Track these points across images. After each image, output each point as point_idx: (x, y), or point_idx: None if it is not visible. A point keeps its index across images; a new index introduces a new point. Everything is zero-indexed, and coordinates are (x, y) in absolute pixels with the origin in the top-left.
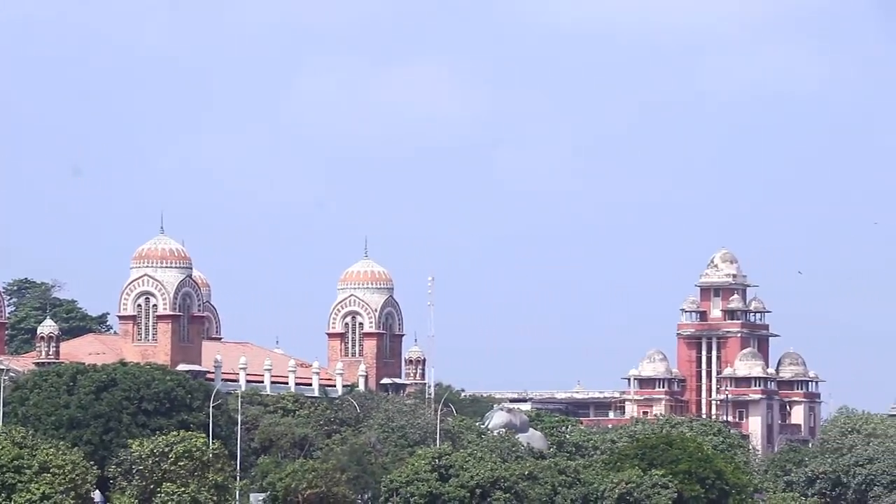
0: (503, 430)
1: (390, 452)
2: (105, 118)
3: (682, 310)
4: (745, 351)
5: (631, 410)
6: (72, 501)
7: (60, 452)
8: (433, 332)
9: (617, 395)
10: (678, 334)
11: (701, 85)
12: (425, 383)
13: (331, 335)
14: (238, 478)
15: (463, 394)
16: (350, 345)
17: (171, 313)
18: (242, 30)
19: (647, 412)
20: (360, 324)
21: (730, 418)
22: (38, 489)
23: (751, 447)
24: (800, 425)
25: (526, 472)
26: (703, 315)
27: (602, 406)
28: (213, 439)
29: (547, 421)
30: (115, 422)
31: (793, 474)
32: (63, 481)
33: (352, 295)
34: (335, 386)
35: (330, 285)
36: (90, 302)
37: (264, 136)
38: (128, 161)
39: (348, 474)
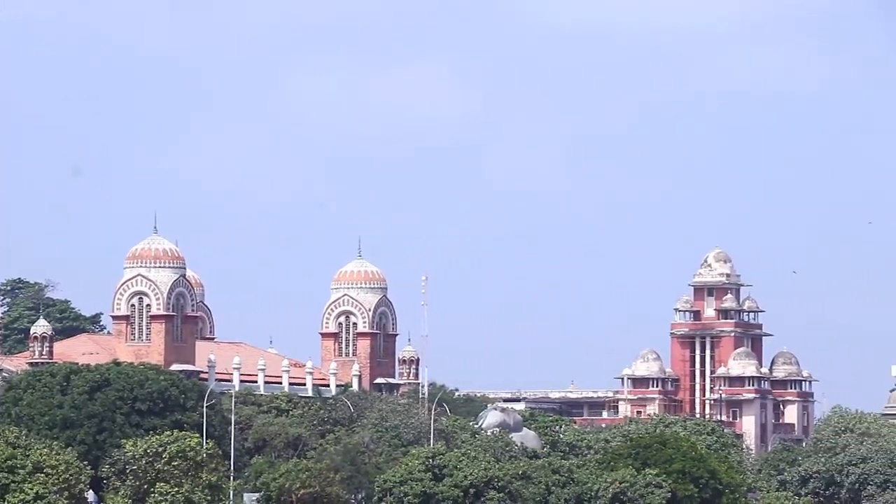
0: (497, 429)
1: (384, 452)
2: (99, 118)
3: (676, 309)
4: (738, 350)
5: (625, 410)
6: (65, 501)
7: (54, 452)
8: (427, 331)
9: (611, 394)
10: (672, 334)
11: (696, 85)
12: (419, 383)
13: (324, 335)
14: (232, 478)
15: (457, 393)
16: (344, 344)
17: (165, 313)
18: (235, 29)
19: (640, 412)
20: (354, 323)
21: (723, 418)
22: (31, 489)
23: (744, 446)
24: (793, 425)
25: (520, 472)
26: (696, 315)
27: (596, 405)
28: (206, 439)
29: (541, 420)
30: (108, 422)
31: (786, 473)
32: (57, 481)
33: (345, 295)
34: (329, 386)
35: (323, 285)
36: (84, 302)
37: (258, 136)
38: (121, 161)
39: (342, 474)
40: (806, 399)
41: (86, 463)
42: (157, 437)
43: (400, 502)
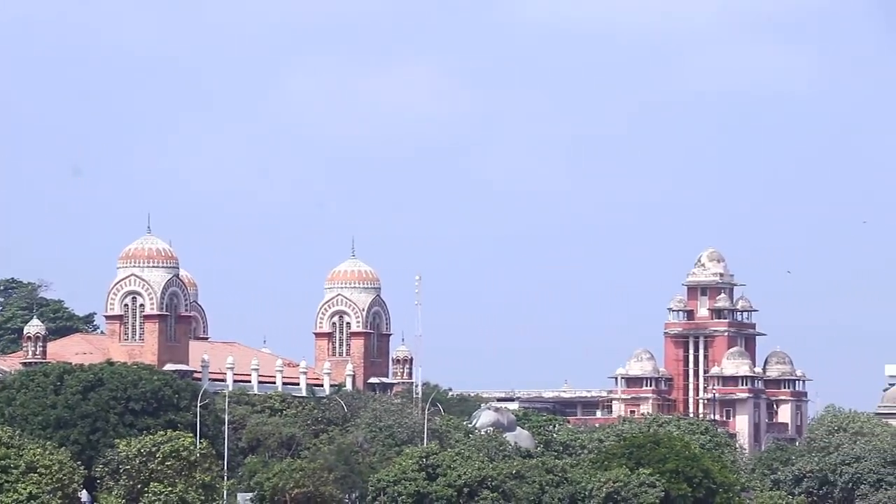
0: (490, 429)
1: (378, 452)
2: (93, 118)
3: (670, 309)
4: (732, 350)
5: (618, 409)
6: (59, 501)
7: (47, 452)
8: (420, 331)
9: (604, 394)
10: (665, 333)
11: (691, 85)
12: (413, 382)
13: (318, 335)
14: (225, 477)
15: (450, 393)
16: (337, 344)
17: (158, 313)
18: (229, 29)
19: (634, 411)
20: (348, 323)
21: (717, 417)
22: (24, 489)
23: (738, 446)
24: (787, 424)
25: (513, 472)
26: (690, 314)
27: (589, 405)
28: (200, 439)
29: (534, 420)
30: (102, 422)
31: (780, 473)
32: (50, 481)
33: (339, 294)
34: (322, 385)
35: (317, 285)
36: (77, 302)
37: (253, 136)
38: (115, 161)
39: (336, 474)
40: (799, 398)
41: (79, 463)
42: (151, 436)
43: (394, 502)
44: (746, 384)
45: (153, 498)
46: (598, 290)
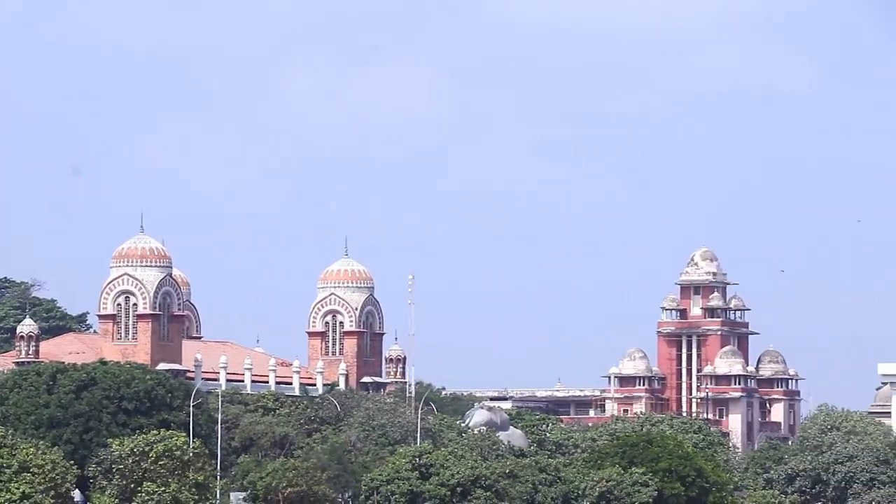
0: (484, 428)
1: (371, 451)
2: (85, 118)
3: (663, 308)
4: (724, 349)
5: (611, 408)
6: (52, 501)
7: (40, 452)
8: (413, 330)
9: (597, 393)
10: (658, 332)
11: (685, 85)
12: (406, 382)
13: (311, 334)
14: (219, 477)
15: (443, 392)
16: (330, 343)
17: (151, 312)
18: (220, 29)
19: (627, 410)
20: (341, 322)
21: (710, 416)
22: (17, 489)
23: (731, 445)
24: (780, 423)
25: (506, 471)
26: (683, 313)
27: (582, 404)
28: (193, 438)
29: (527, 419)
30: (95, 421)
31: (773, 472)
32: (43, 481)
33: (332, 294)
34: (315, 385)
35: (310, 284)
36: (70, 301)
37: (245, 135)
38: (108, 160)
39: (329, 473)
40: (792, 397)
41: (72, 462)
42: (144, 436)
43: (387, 501)
44: (739, 383)
45: (146, 497)
46: (591, 289)
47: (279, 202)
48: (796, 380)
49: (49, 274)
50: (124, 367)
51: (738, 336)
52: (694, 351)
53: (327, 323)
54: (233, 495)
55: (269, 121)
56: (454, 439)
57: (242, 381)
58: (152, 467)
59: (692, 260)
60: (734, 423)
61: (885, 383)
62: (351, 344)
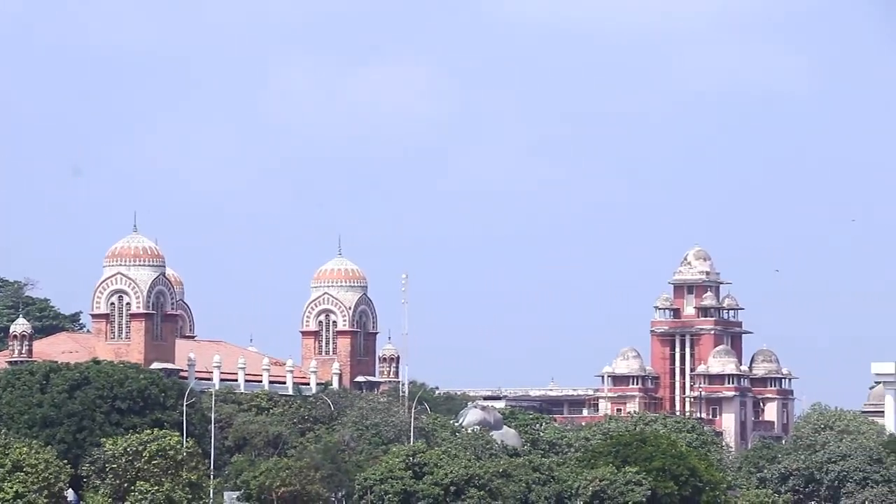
0: (477, 427)
1: (364, 450)
2: (77, 117)
3: (656, 307)
4: (718, 348)
5: (605, 408)
6: (45, 500)
7: (34, 451)
8: (407, 329)
9: (591, 392)
10: (652, 331)
11: (681, 85)
12: (399, 381)
13: (304, 333)
14: (212, 476)
15: (437, 391)
16: (324, 343)
17: (145, 311)
18: (214, 28)
19: (620, 409)
20: (334, 322)
21: (703, 415)
22: (11, 488)
23: (724, 444)
24: (773, 422)
25: (500, 470)
26: (676, 312)
27: (576, 403)
28: (186, 438)
29: (521, 418)
30: (88, 420)
31: (766, 471)
32: (36, 480)
33: (325, 293)
34: (309, 384)
35: (303, 283)
36: (63, 300)
37: (239, 134)
38: (101, 159)
39: (322, 472)
40: (785, 397)
41: (65, 462)
42: (137, 435)
43: (380, 500)
44: (733, 382)
45: (139, 497)
46: (584, 288)
47: (273, 202)
48: (789, 379)
49: (42, 273)
50: (118, 366)
51: (731, 335)
52: (687, 350)
53: (321, 322)
54: (226, 494)
55: (267, 120)
56: (448, 438)
57: (236, 380)
58: (146, 467)
59: (685, 259)
60: (727, 422)
61: (878, 382)
62: (344, 343)
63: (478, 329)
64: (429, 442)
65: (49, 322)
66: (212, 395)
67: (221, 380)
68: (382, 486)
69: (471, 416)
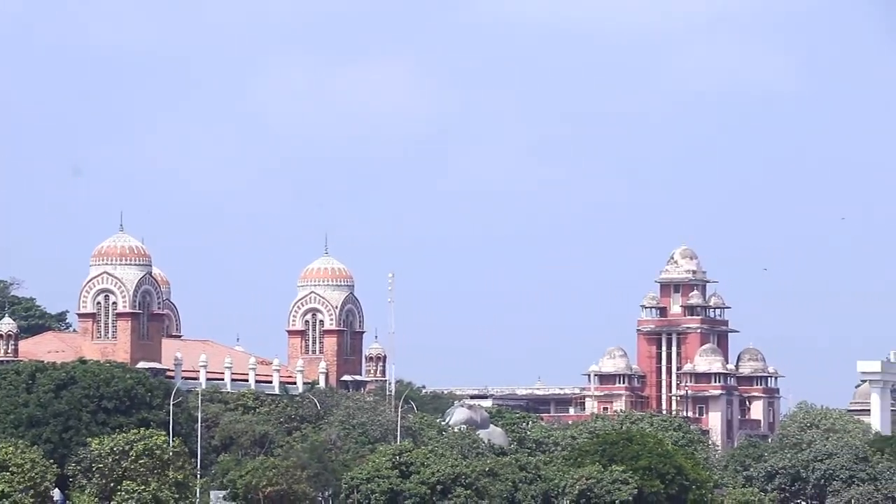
0: (464, 426)
1: (351, 449)
2: (68, 117)
3: (642, 306)
4: (704, 347)
5: (591, 406)
6: (31, 500)
7: (19, 451)
8: (393, 328)
9: (577, 391)
10: (638, 330)
11: (666, 84)
12: (386, 380)
13: (291, 332)
14: (198, 475)
15: (423, 390)
16: (310, 342)
17: (131, 311)
18: (203, 28)
19: (607, 408)
20: (321, 321)
21: (690, 414)
22: None
23: (710, 443)
24: (759, 421)
25: (486, 469)
26: (662, 311)
27: (562, 402)
28: (173, 437)
29: (507, 417)
30: (74, 420)
31: (752, 469)
32: (22, 480)
33: (312, 292)
34: (295, 383)
35: (290, 282)
36: (49, 300)
37: (225, 133)
38: (87, 158)
39: (309, 471)
40: (772, 395)
41: (52, 461)
42: (124, 435)
43: (367, 499)
44: (719, 381)
45: (126, 496)
46: (571, 287)
47: (260, 202)
48: (776, 377)
49: (28, 272)
50: (104, 365)
51: (717, 334)
52: (674, 349)
53: (307, 321)
54: (213, 494)
55: (250, 119)
56: (434, 437)
57: (222, 379)
58: (132, 466)
59: (672, 258)
60: (714, 420)
61: (864, 381)
62: (331, 342)
63: (464, 328)
64: (415, 441)
65: (35, 321)
66: (198, 394)
67: (208, 379)
68: (369, 486)
69: (457, 415)
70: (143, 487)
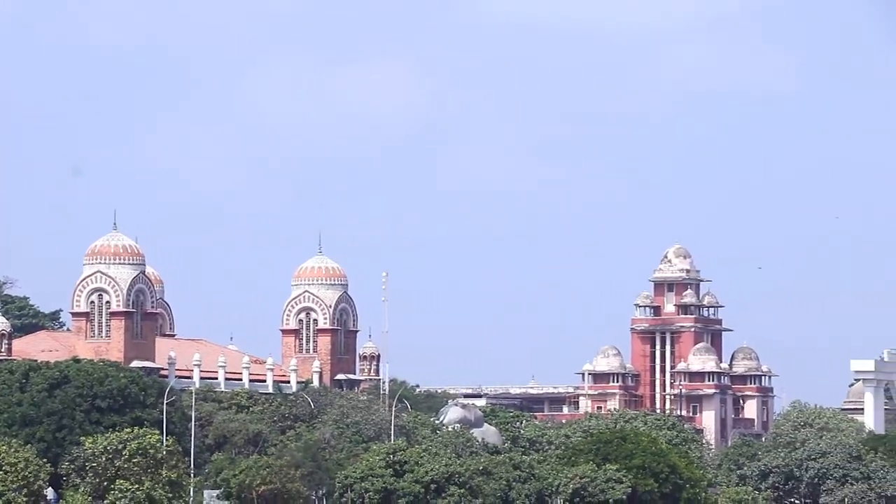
0: (458, 425)
1: (345, 448)
2: (62, 116)
3: (636, 305)
4: (698, 346)
5: (585, 405)
6: (24, 499)
7: (13, 450)
8: (387, 327)
9: (571, 390)
10: (632, 329)
11: (660, 84)
12: (380, 379)
13: (285, 331)
14: (192, 474)
15: (417, 389)
16: (304, 341)
17: (125, 310)
18: (196, 28)
19: (601, 407)
20: (315, 320)
21: (683, 413)
22: None
23: (704, 441)
24: (753, 420)
25: (480, 468)
26: (656, 310)
27: (556, 401)
28: (166, 436)
29: (501, 416)
30: (68, 419)
31: (746, 468)
32: (16, 479)
33: (306, 291)
34: (289, 382)
35: (284, 281)
36: (43, 299)
37: (219, 133)
38: (81, 158)
39: (303, 470)
40: (765, 394)
41: (45, 460)
42: (117, 434)
43: (361, 498)
44: (713, 380)
45: (119, 495)
46: (564, 286)
47: (254, 201)
48: (769, 376)
49: (21, 271)
50: (97, 364)
51: (711, 333)
52: (667, 348)
53: (301, 320)
54: (206, 493)
55: (244, 118)
56: (428, 436)
57: (216, 378)
58: (126, 465)
59: (665, 257)
60: (707, 419)
61: (857, 380)
62: (325, 341)
63: (458, 327)
64: (409, 440)
65: (28, 320)
66: (192, 393)
67: (201, 378)
68: (363, 484)
69: (451, 414)
70: (136, 486)
